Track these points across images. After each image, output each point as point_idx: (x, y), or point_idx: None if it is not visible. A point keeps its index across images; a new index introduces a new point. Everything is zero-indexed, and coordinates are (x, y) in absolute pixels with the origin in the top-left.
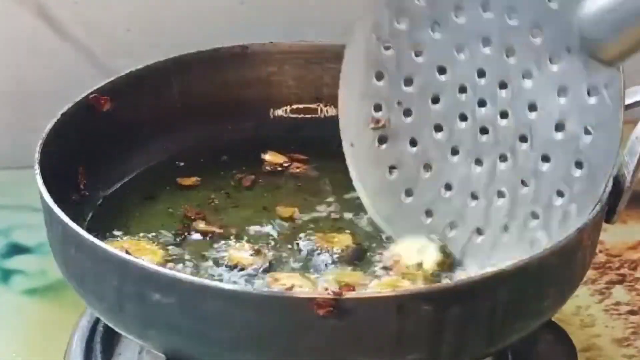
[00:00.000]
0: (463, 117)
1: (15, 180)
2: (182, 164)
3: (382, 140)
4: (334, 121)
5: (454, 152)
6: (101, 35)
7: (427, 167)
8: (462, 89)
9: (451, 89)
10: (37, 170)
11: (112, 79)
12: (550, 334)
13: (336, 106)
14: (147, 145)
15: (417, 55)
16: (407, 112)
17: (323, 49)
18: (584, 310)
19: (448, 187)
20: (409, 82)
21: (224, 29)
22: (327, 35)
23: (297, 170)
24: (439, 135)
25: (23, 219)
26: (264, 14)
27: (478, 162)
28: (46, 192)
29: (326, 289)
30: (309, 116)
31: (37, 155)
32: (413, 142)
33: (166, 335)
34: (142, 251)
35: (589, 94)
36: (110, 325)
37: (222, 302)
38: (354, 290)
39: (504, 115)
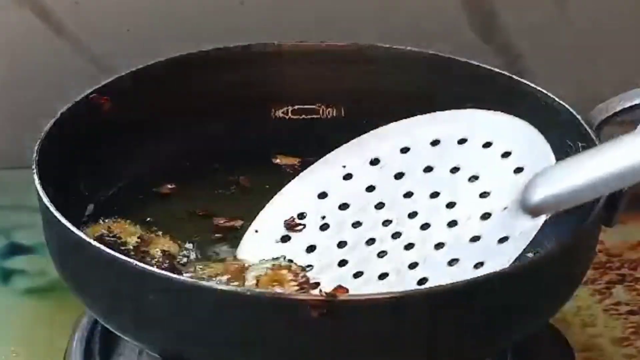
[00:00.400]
0: (370, 242)
1: (15, 180)
2: (185, 164)
3: (284, 239)
4: (335, 122)
5: (342, 264)
6: (101, 35)
7: (310, 266)
8: (386, 222)
9: (377, 221)
10: (35, 170)
11: (112, 78)
12: (547, 336)
13: (338, 107)
14: (147, 145)
15: (368, 190)
16: (324, 227)
17: (325, 49)
18: (584, 310)
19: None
20: (344, 206)
21: (224, 29)
22: (328, 36)
23: None
24: (339, 251)
25: (23, 219)
26: (264, 14)
27: (358, 273)
28: (43, 191)
29: (320, 291)
30: (310, 117)
31: (35, 155)
32: (310, 249)
33: (160, 336)
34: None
35: (499, 241)
36: (106, 325)
37: (214, 303)
38: (347, 292)
39: (407, 247)
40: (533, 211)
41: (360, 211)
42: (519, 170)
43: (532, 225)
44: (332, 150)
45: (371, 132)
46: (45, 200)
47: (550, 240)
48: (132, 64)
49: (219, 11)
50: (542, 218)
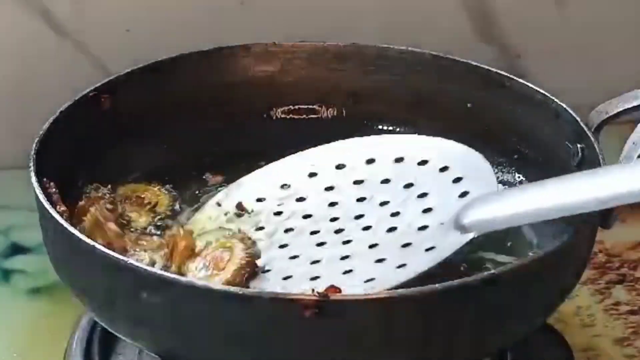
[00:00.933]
0: (314, 233)
1: (15, 180)
2: (184, 163)
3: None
4: (335, 122)
5: (283, 246)
6: (101, 35)
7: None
8: (334, 219)
9: (326, 217)
10: (32, 166)
11: (111, 77)
12: (546, 336)
13: (338, 107)
14: (146, 145)
15: (326, 190)
16: (278, 213)
17: (325, 49)
18: (584, 310)
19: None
20: (301, 199)
21: (224, 29)
22: (328, 36)
23: None
24: (284, 235)
25: (23, 219)
26: (264, 14)
27: (295, 256)
28: (39, 189)
29: (312, 290)
30: (310, 117)
31: (33, 151)
32: (260, 228)
33: (155, 334)
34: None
35: (426, 250)
36: (103, 324)
37: (208, 302)
38: (339, 291)
39: (345, 242)
40: (462, 229)
41: (314, 206)
42: (464, 194)
43: (458, 240)
44: None
45: (345, 140)
46: (42, 197)
47: (547, 241)
48: (132, 64)
49: (219, 11)
50: (470, 236)
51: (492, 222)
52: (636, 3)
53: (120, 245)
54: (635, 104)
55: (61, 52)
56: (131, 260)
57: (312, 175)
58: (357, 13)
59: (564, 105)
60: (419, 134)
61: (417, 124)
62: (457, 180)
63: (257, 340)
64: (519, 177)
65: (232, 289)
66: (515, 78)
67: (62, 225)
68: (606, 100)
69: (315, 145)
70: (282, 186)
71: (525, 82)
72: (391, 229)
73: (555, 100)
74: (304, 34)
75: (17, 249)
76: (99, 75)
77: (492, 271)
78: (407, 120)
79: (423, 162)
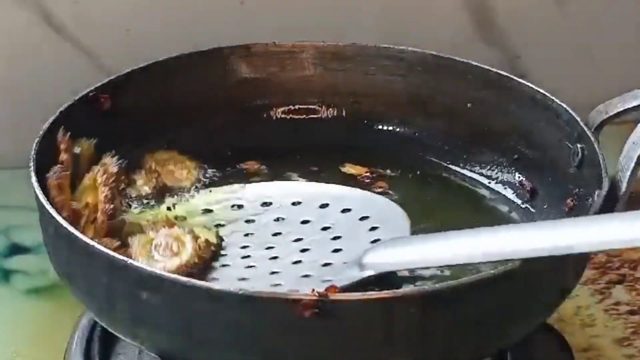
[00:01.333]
0: (220, 257)
1: (15, 180)
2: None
3: None
4: (335, 122)
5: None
6: (101, 35)
7: None
8: (244, 247)
9: (236, 244)
10: (32, 166)
11: (111, 77)
12: (546, 336)
13: (338, 107)
14: (146, 143)
15: (246, 222)
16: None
17: (325, 49)
18: (584, 310)
19: None
20: (218, 225)
21: (224, 29)
22: (328, 36)
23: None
24: None
25: (23, 219)
26: (264, 14)
27: None
28: (39, 189)
29: (312, 290)
30: (310, 117)
31: (33, 152)
32: None
33: (155, 334)
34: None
35: (322, 281)
36: (103, 324)
37: (207, 302)
38: (339, 291)
39: (248, 267)
40: (362, 267)
41: (227, 232)
42: (375, 241)
43: (354, 275)
44: (332, 150)
45: (279, 182)
46: (42, 197)
47: None
48: (132, 64)
49: (219, 11)
50: (366, 273)
51: (388, 264)
52: (636, 3)
53: (106, 210)
54: (635, 104)
55: (61, 52)
56: (130, 260)
57: (238, 207)
58: (357, 13)
59: (564, 105)
60: (418, 134)
61: (417, 123)
62: (373, 229)
63: (257, 340)
64: (519, 177)
65: (232, 288)
66: (515, 78)
67: (62, 225)
68: (606, 100)
69: (314, 145)
70: (204, 211)
71: (525, 82)
72: (297, 262)
73: (555, 100)
74: (304, 34)
75: (17, 249)
76: (99, 75)
77: (492, 271)
78: (407, 120)
79: (346, 210)
